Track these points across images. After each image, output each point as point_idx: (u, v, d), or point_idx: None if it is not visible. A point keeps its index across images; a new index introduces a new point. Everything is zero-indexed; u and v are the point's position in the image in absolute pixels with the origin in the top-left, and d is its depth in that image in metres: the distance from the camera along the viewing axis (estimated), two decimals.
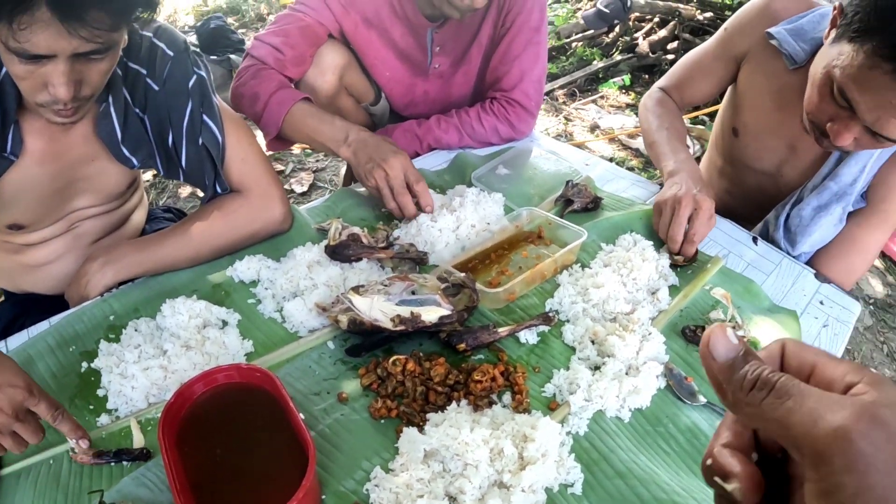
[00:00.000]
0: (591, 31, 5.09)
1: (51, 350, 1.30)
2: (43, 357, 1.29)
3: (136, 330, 1.31)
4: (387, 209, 1.63)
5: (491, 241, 1.52)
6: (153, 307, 1.35)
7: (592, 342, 1.26)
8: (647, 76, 4.87)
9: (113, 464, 1.09)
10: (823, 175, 1.63)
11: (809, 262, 1.69)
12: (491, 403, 1.14)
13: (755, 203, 1.86)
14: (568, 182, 1.71)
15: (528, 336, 1.29)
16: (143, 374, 1.19)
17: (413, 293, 1.27)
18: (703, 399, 1.18)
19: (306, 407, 1.17)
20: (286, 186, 3.58)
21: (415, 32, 1.94)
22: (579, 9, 5.52)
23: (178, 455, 0.97)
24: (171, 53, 1.38)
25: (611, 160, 3.97)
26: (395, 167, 1.58)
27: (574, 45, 5.05)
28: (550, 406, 1.17)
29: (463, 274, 1.33)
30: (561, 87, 4.69)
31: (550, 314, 1.33)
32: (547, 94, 4.58)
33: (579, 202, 1.66)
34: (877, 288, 3.34)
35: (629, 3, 4.95)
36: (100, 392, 1.20)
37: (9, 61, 1.11)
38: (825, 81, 1.36)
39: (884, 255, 3.56)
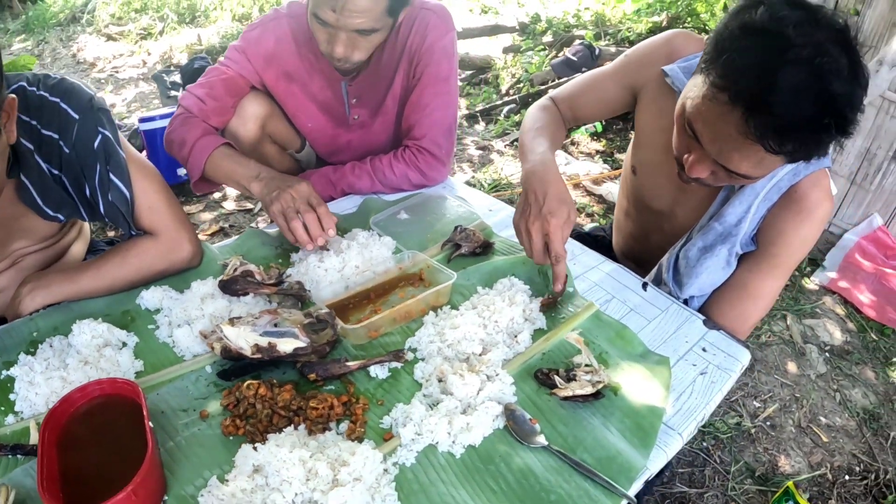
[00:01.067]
0: (562, 79, 5.22)
1: None
2: None
3: (50, 346, 1.47)
4: (289, 243, 1.75)
5: (373, 281, 1.63)
6: (69, 327, 1.49)
7: (439, 380, 1.35)
8: (619, 123, 5.00)
9: (10, 456, 1.25)
10: (710, 215, 1.64)
11: (702, 309, 1.68)
12: (325, 430, 1.26)
13: (655, 246, 1.87)
14: (456, 227, 1.81)
15: (379, 371, 1.40)
16: (45, 382, 1.36)
17: (276, 325, 1.40)
18: (542, 441, 1.23)
19: (171, 420, 1.31)
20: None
21: (332, 86, 2.10)
22: (555, 56, 5.68)
23: (56, 451, 1.14)
24: (76, 116, 1.53)
25: (583, 211, 4.10)
26: (299, 189, 1.72)
27: (548, 91, 5.21)
28: (385, 437, 1.27)
29: (325, 310, 1.45)
30: None
31: (403, 352, 1.43)
32: (516, 139, 4.73)
33: (467, 247, 1.75)
34: (835, 335, 3.39)
35: (597, 52, 5.12)
36: (11, 396, 1.37)
37: None
38: (680, 113, 1.39)
39: (845, 301, 3.64)
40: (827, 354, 3.29)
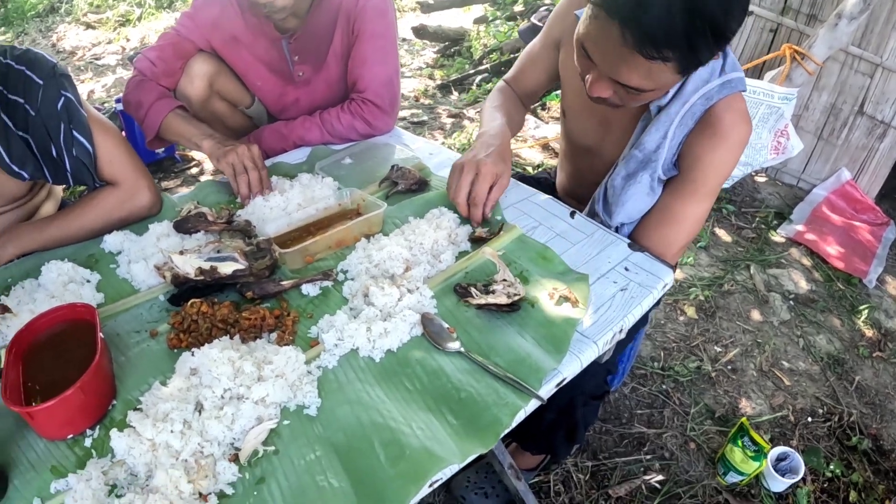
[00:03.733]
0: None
1: None
2: None
3: (21, 287, 1.62)
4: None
5: (313, 217, 1.78)
6: (39, 272, 1.64)
7: (364, 296, 1.49)
8: None
9: None
10: (631, 145, 1.70)
11: (631, 236, 1.75)
12: (257, 339, 1.42)
13: (590, 182, 1.93)
14: (393, 166, 1.95)
15: (311, 289, 1.55)
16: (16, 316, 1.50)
17: (218, 252, 1.55)
18: (457, 347, 1.35)
19: (125, 340, 1.47)
20: None
21: (275, 45, 2.25)
22: (517, 26, 5.80)
23: (20, 369, 1.30)
24: (40, 82, 1.68)
25: (539, 167, 4.23)
26: (245, 149, 1.89)
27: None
28: (311, 344, 1.42)
29: (266, 238, 1.61)
30: None
31: (332, 271, 1.58)
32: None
33: (403, 184, 1.90)
34: (800, 284, 3.50)
35: None
36: None
37: None
38: (577, 38, 1.45)
39: (811, 253, 3.74)
40: (791, 303, 3.39)
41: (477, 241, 1.69)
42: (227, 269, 1.51)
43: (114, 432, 1.20)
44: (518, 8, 6.28)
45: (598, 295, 1.52)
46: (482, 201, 1.67)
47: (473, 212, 1.69)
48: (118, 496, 1.14)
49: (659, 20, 1.24)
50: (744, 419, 2.46)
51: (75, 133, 1.74)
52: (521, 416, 1.26)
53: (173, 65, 2.21)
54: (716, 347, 3.07)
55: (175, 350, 1.43)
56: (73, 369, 1.26)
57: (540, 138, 4.52)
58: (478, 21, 6.37)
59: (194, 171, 4.33)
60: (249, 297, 1.51)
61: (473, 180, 1.67)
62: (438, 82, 5.62)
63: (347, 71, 2.26)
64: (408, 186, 1.91)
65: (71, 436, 1.26)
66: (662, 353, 3.01)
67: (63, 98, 1.72)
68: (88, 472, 1.16)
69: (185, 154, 4.44)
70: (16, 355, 1.31)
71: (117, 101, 4.13)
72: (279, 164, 2.15)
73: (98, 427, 1.28)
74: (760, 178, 4.46)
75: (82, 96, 1.80)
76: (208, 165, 4.36)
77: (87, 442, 1.25)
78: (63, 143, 1.74)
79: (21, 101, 1.68)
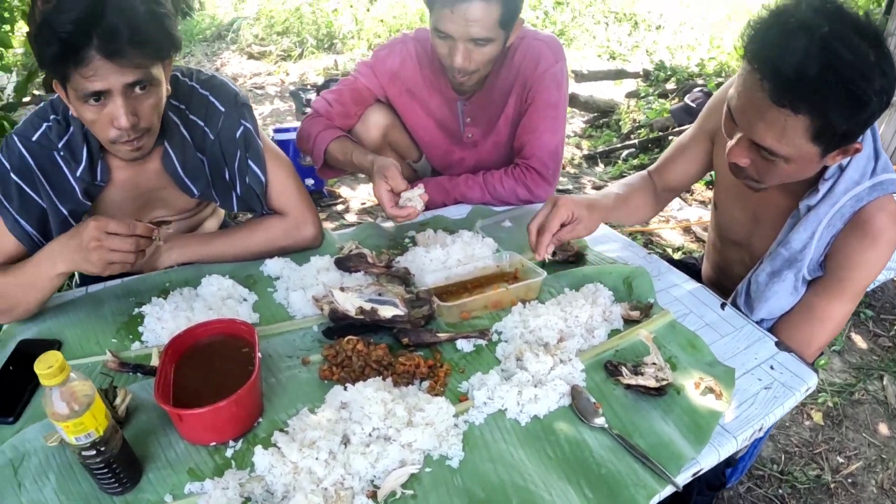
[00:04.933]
0: (683, 126, 5.29)
1: (116, 297, 1.75)
2: (109, 299, 1.74)
3: (180, 293, 1.71)
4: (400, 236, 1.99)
5: (471, 275, 1.80)
6: (198, 281, 1.74)
7: (517, 359, 1.49)
8: None
9: (130, 373, 1.48)
10: (778, 242, 1.70)
11: (770, 331, 1.71)
12: (409, 384, 1.43)
13: (736, 275, 1.94)
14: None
15: (465, 345, 1.56)
16: (172, 319, 1.58)
17: (379, 295, 1.58)
18: (602, 423, 1.34)
19: (276, 363, 1.51)
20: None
21: (449, 105, 2.32)
22: (675, 102, 5.75)
23: (172, 371, 1.36)
24: (222, 109, 1.78)
25: (679, 249, 4.15)
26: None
27: (670, 138, 5.27)
28: (460, 399, 1.42)
29: (426, 289, 1.64)
30: None
31: (489, 331, 1.59)
32: None
33: (562, 255, 1.90)
34: None
35: None
36: (140, 329, 1.61)
37: (82, 111, 1.49)
38: (727, 100, 1.48)
39: None
40: None
41: (629, 322, 1.68)
42: (386, 312, 1.53)
43: (258, 448, 1.24)
44: (671, 86, 6.26)
45: (741, 390, 1.50)
46: (548, 230, 1.70)
47: (539, 240, 1.73)
48: None
49: (794, 66, 1.26)
50: None
51: (250, 162, 1.83)
52: (655, 501, 1.23)
53: (349, 108, 2.31)
54: (838, 457, 2.89)
55: (325, 381, 1.46)
56: (220, 381, 1.31)
57: (682, 220, 4.45)
58: (629, 95, 6.38)
59: (340, 207, 4.46)
60: (405, 343, 1.53)
61: (550, 213, 1.71)
62: (585, 152, 5.64)
63: (516, 135, 2.29)
64: (565, 258, 1.91)
65: (214, 443, 1.30)
66: (783, 457, 2.86)
67: (242, 127, 1.80)
68: (226, 481, 1.19)
69: (333, 190, 4.60)
70: (171, 357, 1.37)
71: (275, 130, 4.32)
72: (440, 217, 2.20)
73: (241, 440, 1.31)
74: None
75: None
76: (354, 204, 4.50)
77: (229, 452, 1.28)
78: (237, 169, 1.83)
79: (201, 123, 1.77)
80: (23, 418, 1.38)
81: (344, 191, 4.67)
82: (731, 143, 1.49)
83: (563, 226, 1.74)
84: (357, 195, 4.68)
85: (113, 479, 1.17)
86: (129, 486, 1.20)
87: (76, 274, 2.11)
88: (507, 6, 1.91)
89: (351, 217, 4.38)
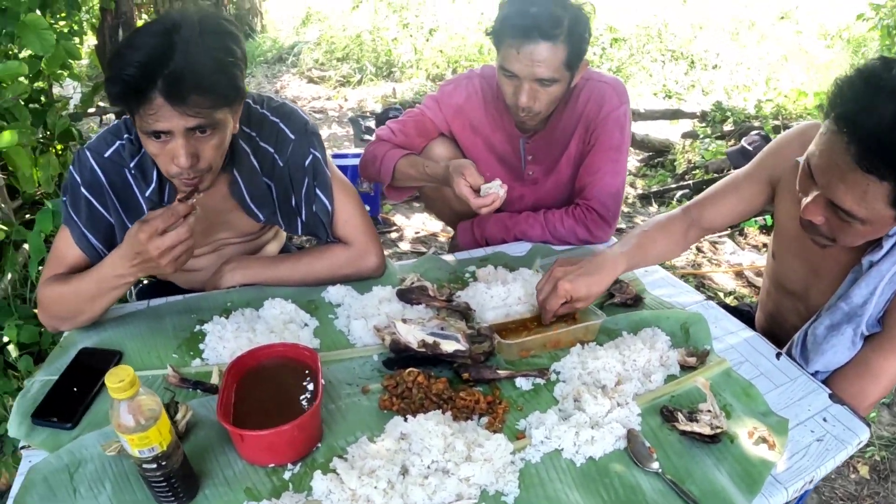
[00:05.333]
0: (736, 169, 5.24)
1: (177, 312, 1.80)
2: (170, 314, 1.80)
3: (242, 314, 1.76)
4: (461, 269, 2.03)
5: (531, 313, 1.81)
6: (260, 303, 1.78)
7: (575, 400, 1.50)
8: None
9: (191, 389, 1.52)
10: (838, 296, 1.69)
11: (826, 383, 1.71)
12: (468, 419, 1.45)
13: (791, 326, 1.93)
14: None
15: (524, 383, 1.58)
16: (234, 339, 1.63)
17: (441, 329, 1.61)
18: (656, 467, 1.36)
19: (336, 389, 1.55)
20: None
21: (511, 142, 2.36)
22: (733, 145, 5.71)
23: (234, 391, 1.40)
24: (293, 137, 1.83)
25: (730, 293, 4.11)
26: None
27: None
28: (518, 436, 1.44)
29: (487, 325, 1.66)
30: None
31: (548, 370, 1.61)
32: None
33: (620, 297, 1.91)
34: None
35: None
36: (201, 346, 1.66)
37: (146, 143, 1.52)
38: (806, 156, 1.48)
39: None
40: None
41: (685, 369, 1.68)
42: (448, 346, 1.56)
43: (317, 473, 1.27)
44: (728, 127, 6.21)
45: (794, 441, 1.50)
46: (549, 310, 1.72)
47: (543, 315, 1.75)
48: None
49: (883, 130, 1.26)
50: None
51: (318, 190, 1.87)
52: None
53: (413, 139, 2.36)
54: None
55: (384, 411, 1.49)
56: (280, 403, 1.36)
57: (735, 264, 4.41)
58: (686, 135, 6.34)
59: (394, 235, 4.52)
60: (465, 378, 1.56)
61: (550, 294, 1.71)
62: (639, 191, 5.62)
63: (577, 176, 2.32)
64: (623, 300, 1.92)
65: (272, 465, 1.33)
66: None
67: (311, 156, 1.85)
68: (283, 503, 1.22)
69: (388, 218, 4.66)
70: (233, 377, 1.41)
71: (333, 155, 4.40)
72: (500, 253, 2.22)
73: (300, 464, 1.35)
74: None
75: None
76: (408, 232, 4.55)
77: (287, 475, 1.32)
78: (304, 196, 1.87)
79: (271, 150, 1.82)
80: (80, 425, 1.44)
81: (398, 219, 4.73)
82: (806, 199, 1.49)
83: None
84: (411, 224, 4.73)
85: (170, 493, 1.21)
86: (185, 501, 1.25)
87: (132, 287, 2.16)
88: (572, 47, 1.95)
89: (404, 245, 4.43)
